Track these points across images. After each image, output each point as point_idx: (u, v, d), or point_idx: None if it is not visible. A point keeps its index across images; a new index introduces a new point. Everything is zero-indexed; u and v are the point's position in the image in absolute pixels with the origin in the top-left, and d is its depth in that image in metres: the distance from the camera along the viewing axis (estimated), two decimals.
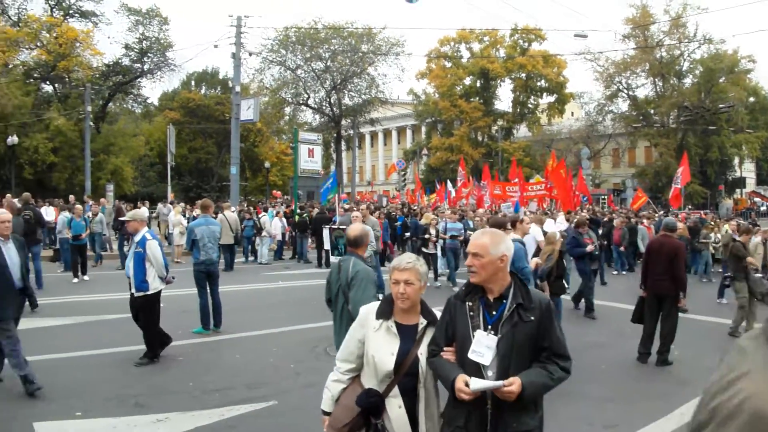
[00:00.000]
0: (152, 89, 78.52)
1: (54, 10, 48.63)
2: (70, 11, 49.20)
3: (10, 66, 44.82)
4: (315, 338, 10.03)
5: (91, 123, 41.05)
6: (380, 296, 5.78)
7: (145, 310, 8.64)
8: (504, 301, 3.27)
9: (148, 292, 8.54)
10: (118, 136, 48.46)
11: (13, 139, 36.01)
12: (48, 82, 49.86)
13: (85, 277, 16.82)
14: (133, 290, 8.61)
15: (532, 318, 3.19)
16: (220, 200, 30.62)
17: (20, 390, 7.18)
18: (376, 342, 3.55)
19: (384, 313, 3.61)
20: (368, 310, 3.74)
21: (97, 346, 9.48)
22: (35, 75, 48.25)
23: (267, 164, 56.42)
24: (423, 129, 69.72)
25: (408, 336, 3.54)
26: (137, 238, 8.70)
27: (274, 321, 11.59)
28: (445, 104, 58.30)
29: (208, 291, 10.51)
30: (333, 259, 11.32)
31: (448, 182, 39.96)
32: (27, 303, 9.13)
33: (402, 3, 14.84)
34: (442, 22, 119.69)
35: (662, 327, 9.20)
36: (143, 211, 9.62)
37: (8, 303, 7.01)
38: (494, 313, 3.27)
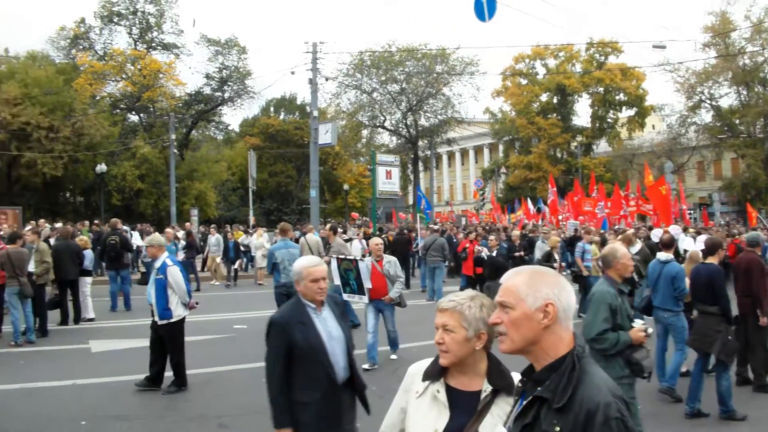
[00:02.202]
0: (233, 116, 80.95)
1: (138, 43, 50.74)
2: (153, 44, 51.26)
3: (98, 98, 46.95)
4: (410, 360, 9.86)
5: (176, 150, 42.39)
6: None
7: (170, 338, 8.39)
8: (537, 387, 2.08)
9: (172, 320, 8.29)
10: (201, 163, 49.99)
11: (101, 168, 37.61)
12: (134, 112, 51.95)
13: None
14: (156, 318, 8.33)
15: (558, 430, 1.93)
16: (300, 223, 31.06)
17: (107, 409, 7.43)
18: (416, 413, 2.64)
19: (432, 372, 2.65)
20: (417, 367, 2.78)
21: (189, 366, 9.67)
22: (121, 106, 50.39)
23: (345, 186, 57.00)
24: (500, 147, 69.15)
25: (463, 407, 2.54)
26: (157, 264, 8.45)
27: (358, 343, 11.28)
28: (522, 122, 57.65)
29: None
30: (345, 297, 9.81)
31: (529, 200, 39.48)
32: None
33: (475, 22, 14.66)
34: (515, 39, 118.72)
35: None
36: (160, 236, 9.74)
37: None
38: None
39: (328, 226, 13.84)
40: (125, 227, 22.07)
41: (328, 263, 12.50)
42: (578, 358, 2.05)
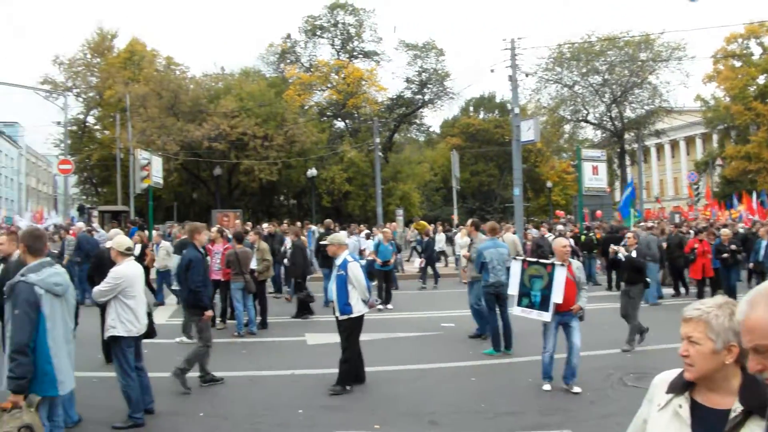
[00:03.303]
0: (433, 118, 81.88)
1: (340, 53, 53.03)
2: (354, 53, 53.35)
3: (307, 107, 49.55)
4: (609, 365, 9.50)
5: (380, 153, 43.54)
6: None
7: (346, 334, 8.49)
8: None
9: (352, 315, 8.40)
10: (405, 164, 51.14)
11: (312, 172, 39.79)
12: (340, 119, 54.18)
13: (389, 306, 16.00)
14: (337, 314, 8.51)
15: None
16: (503, 222, 30.82)
17: (322, 399, 7.71)
18: (655, 427, 2.40)
19: (677, 385, 2.38)
20: (661, 378, 2.50)
21: (389, 362, 9.88)
22: (328, 113, 52.83)
23: (549, 184, 55.79)
24: (714, 137, 64.39)
25: (707, 426, 2.23)
26: (338, 261, 8.61)
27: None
28: (738, 108, 53.03)
29: (498, 313, 10.52)
30: (517, 311, 8.81)
31: (754, 194, 36.35)
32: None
33: (681, 3, 13.65)
34: (726, 18, 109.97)
35: None
36: (342, 234, 9.78)
37: None
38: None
39: (470, 221, 13.34)
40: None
41: (468, 258, 12.38)
42: None
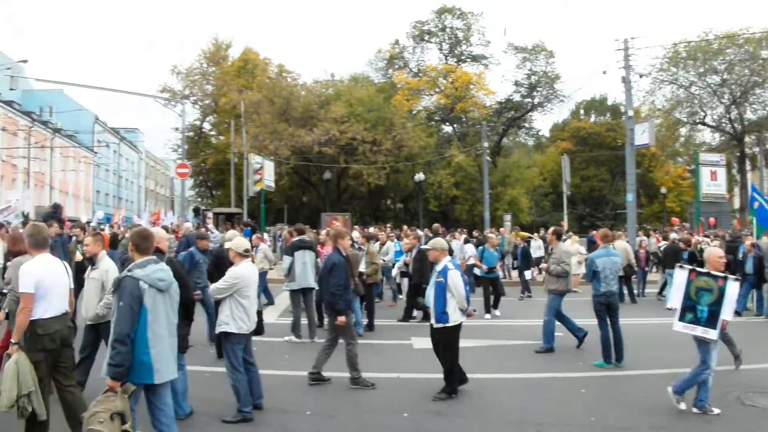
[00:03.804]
0: (542, 121, 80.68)
1: (448, 57, 53.13)
2: (462, 57, 53.35)
3: (415, 112, 49.85)
4: (728, 383, 8.83)
5: (488, 158, 43.28)
6: None
7: (444, 342, 8.28)
8: None
9: (448, 324, 8.15)
10: (513, 169, 50.64)
11: (419, 176, 39.95)
12: (448, 123, 54.25)
13: (497, 312, 15.57)
14: (433, 321, 8.27)
15: None
16: (614, 229, 29.97)
17: (428, 404, 7.69)
18: None
19: None
20: None
21: (493, 371, 9.74)
22: (436, 118, 53.00)
23: (663, 190, 53.83)
24: None
25: None
26: (438, 267, 8.33)
27: (682, 359, 9.43)
28: None
29: (609, 323, 10.20)
30: (679, 326, 7.65)
31: None
32: None
33: None
34: None
35: None
36: (443, 240, 9.54)
37: None
38: None
39: (551, 229, 12.80)
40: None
41: (547, 270, 11.83)
42: None
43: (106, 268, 7.46)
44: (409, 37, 53.71)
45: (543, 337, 11.06)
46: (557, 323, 11.22)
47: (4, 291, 7.57)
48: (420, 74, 52.36)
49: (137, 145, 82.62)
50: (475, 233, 25.93)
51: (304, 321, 12.08)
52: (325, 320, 13.27)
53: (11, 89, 29.34)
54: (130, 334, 4.99)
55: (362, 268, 13.02)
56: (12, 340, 5.84)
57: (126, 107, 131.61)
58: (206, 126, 55.44)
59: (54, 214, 23.45)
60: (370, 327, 13.16)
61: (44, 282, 5.79)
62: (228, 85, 46.30)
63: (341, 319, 8.58)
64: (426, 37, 53.33)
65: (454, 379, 8.22)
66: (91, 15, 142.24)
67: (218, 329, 7.21)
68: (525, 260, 19.03)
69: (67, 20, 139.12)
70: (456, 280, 8.14)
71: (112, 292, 5.36)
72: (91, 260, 7.74)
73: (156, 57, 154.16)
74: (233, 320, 7.01)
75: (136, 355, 5.03)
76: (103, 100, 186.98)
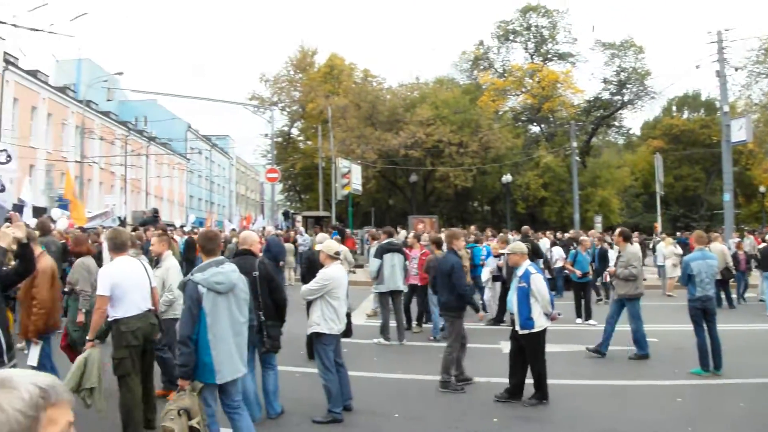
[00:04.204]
0: (633, 119, 78.21)
1: (534, 56, 52.52)
2: (549, 55, 52.61)
3: (501, 113, 49.43)
4: None
5: (577, 158, 42.54)
6: None
7: (531, 348, 8.10)
8: None
9: (533, 330, 7.99)
10: (603, 169, 49.58)
11: (507, 178, 39.63)
12: (535, 123, 53.56)
13: (591, 322, 14.52)
14: (518, 327, 8.11)
15: None
16: (710, 230, 28.98)
17: (517, 409, 7.61)
18: None
19: None
20: None
21: (582, 377, 9.54)
22: (523, 118, 52.45)
23: (761, 188, 51.56)
24: None
25: None
26: (519, 272, 8.20)
27: None
28: None
29: (705, 329, 9.85)
30: None
31: None
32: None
33: None
34: None
35: None
36: (521, 244, 9.17)
37: None
38: None
39: (618, 230, 12.28)
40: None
41: (614, 274, 11.47)
42: None
43: (168, 266, 7.84)
44: (494, 37, 53.39)
45: (636, 344, 10.75)
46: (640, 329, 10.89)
47: (66, 290, 8.02)
48: (505, 74, 51.89)
49: (228, 152, 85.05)
50: (557, 235, 25.38)
51: (393, 323, 12.16)
52: (413, 323, 13.47)
53: (108, 100, 30.76)
54: (191, 336, 5.25)
55: None
56: (88, 338, 6.33)
57: (217, 115, 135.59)
58: (294, 131, 56.59)
59: (154, 219, 24.63)
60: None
61: (122, 283, 6.21)
62: (315, 91, 47.09)
63: (481, 314, 8.96)
64: (511, 37, 52.85)
65: (544, 384, 8.09)
66: (181, 27, 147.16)
67: (310, 330, 7.36)
68: (603, 262, 18.43)
69: (159, 33, 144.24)
70: (539, 284, 8.03)
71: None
72: (156, 260, 8.18)
73: (245, 66, 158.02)
74: (324, 321, 7.13)
75: (199, 356, 5.28)
76: (195, 109, 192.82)
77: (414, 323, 13.45)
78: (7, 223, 4.98)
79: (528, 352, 8.16)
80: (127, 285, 6.24)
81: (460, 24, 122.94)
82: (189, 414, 5.04)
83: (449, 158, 42.35)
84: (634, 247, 11.88)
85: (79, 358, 6.17)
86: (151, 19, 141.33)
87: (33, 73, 42.09)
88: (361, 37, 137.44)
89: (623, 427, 7.23)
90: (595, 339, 11.23)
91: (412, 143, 41.22)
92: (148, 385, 6.57)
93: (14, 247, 4.87)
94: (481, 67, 54.59)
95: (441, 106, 44.49)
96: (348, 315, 7.76)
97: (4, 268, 4.89)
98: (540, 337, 8.09)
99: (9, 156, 19.10)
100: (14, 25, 17.71)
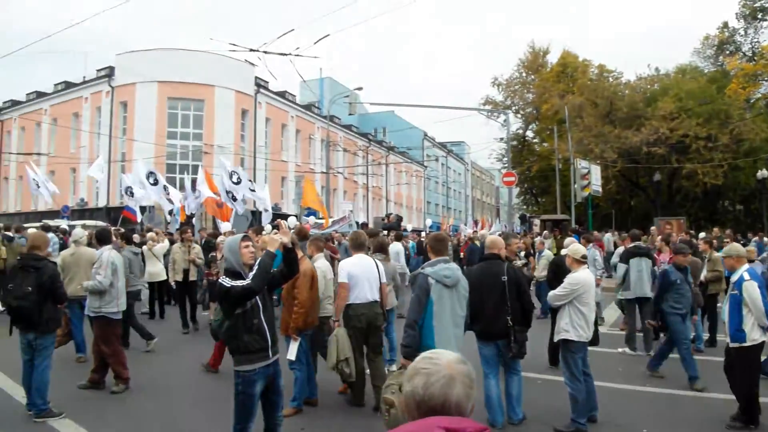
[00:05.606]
0: None
1: None
2: None
3: (752, 100, 45.28)
4: None
5: None
6: None
7: (741, 364, 7.15)
8: None
9: (744, 344, 7.02)
10: None
11: (762, 173, 35.92)
12: None
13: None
14: (728, 340, 7.22)
15: None
16: None
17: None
18: None
19: None
20: None
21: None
22: None
23: None
24: None
25: None
26: (734, 278, 7.30)
27: None
28: None
29: None
30: None
31: None
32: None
33: None
34: None
35: None
36: (739, 245, 7.86)
37: None
38: None
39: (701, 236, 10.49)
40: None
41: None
42: None
43: (319, 266, 8.23)
44: (740, 17, 48.74)
45: None
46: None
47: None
48: (756, 57, 47.22)
49: (463, 157, 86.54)
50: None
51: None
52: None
53: (350, 114, 32.69)
54: (417, 320, 5.93)
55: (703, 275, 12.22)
56: (333, 319, 7.68)
57: (451, 121, 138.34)
58: (529, 134, 56.32)
59: (397, 225, 26.31)
60: (711, 342, 12.13)
61: (353, 275, 7.48)
62: (549, 92, 46.53)
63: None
64: (759, 15, 48.01)
65: (754, 407, 7.13)
66: (414, 40, 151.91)
67: (557, 337, 7.25)
68: None
69: (392, 47, 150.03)
70: (752, 293, 7.06)
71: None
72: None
73: (476, 71, 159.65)
74: (573, 328, 7.01)
75: (423, 339, 5.85)
76: (431, 117, 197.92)
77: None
78: (275, 230, 5.66)
79: (738, 368, 7.27)
80: (357, 277, 7.50)
81: (700, 6, 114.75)
82: None
83: (696, 154, 39.82)
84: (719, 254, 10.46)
85: (331, 338, 7.33)
86: (383, 35, 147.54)
87: (282, 94, 46.13)
88: (592, 33, 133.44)
89: None
90: None
91: (655, 139, 39.33)
92: (375, 360, 7.72)
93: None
94: (727, 52, 50.22)
95: (685, 98, 42.01)
96: (595, 322, 7.51)
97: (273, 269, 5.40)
98: (752, 352, 7.13)
99: (240, 177, 21.35)
100: (265, 52, 19.19)
